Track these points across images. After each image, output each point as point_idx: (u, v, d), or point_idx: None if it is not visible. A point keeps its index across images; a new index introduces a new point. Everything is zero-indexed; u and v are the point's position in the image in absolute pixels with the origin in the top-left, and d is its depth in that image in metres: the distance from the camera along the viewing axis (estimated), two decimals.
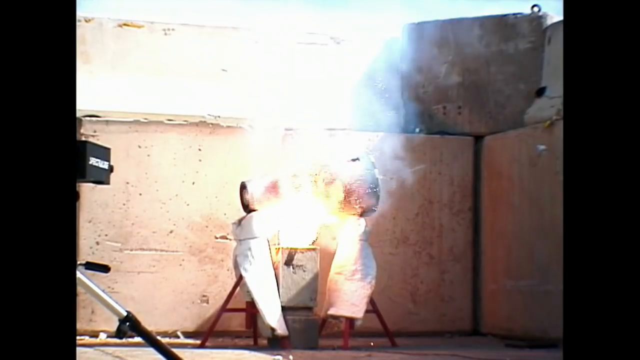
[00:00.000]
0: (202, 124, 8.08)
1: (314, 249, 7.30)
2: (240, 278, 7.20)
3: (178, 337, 7.83)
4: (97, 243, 7.80)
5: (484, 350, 7.11)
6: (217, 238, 8.02)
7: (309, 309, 7.26)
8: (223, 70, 8.45)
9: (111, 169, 4.49)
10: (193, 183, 8.02)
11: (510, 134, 8.46)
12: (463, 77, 8.71)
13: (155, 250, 7.92)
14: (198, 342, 7.40)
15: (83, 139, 7.23)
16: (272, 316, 7.08)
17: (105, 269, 4.48)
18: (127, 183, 7.86)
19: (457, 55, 8.71)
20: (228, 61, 8.46)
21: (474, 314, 8.67)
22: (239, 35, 8.54)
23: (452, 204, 8.66)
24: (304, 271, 7.22)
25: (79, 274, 4.11)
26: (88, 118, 7.83)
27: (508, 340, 7.95)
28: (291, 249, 7.24)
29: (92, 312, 7.60)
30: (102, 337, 7.59)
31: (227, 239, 7.95)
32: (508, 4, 8.94)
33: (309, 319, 7.22)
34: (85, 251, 7.67)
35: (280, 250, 7.24)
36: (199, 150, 8.05)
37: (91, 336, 7.59)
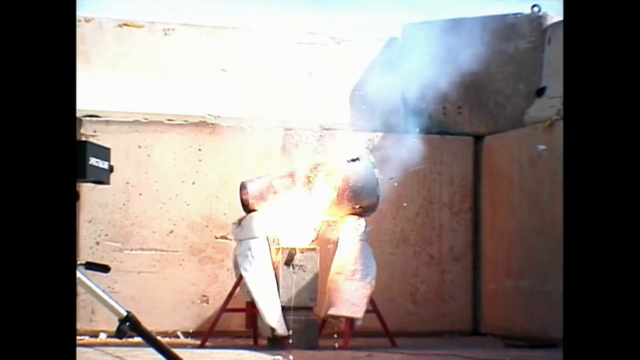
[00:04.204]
0: (202, 124, 8.08)
1: (314, 249, 7.30)
2: (240, 278, 7.20)
3: (178, 337, 7.83)
4: (97, 243, 7.80)
5: (484, 350, 7.11)
6: (217, 238, 8.02)
7: (309, 309, 7.27)
8: (223, 70, 8.44)
9: (111, 169, 4.49)
10: (193, 183, 8.02)
11: (510, 134, 8.46)
12: (463, 77, 8.70)
13: (155, 250, 7.92)
14: (198, 342, 7.40)
15: (83, 139, 7.23)
16: (272, 316, 7.09)
17: (105, 269, 4.48)
18: (127, 183, 7.86)
19: (457, 55, 8.70)
20: (228, 61, 8.45)
21: (474, 314, 8.67)
22: (239, 35, 8.53)
23: (452, 204, 8.66)
24: (304, 271, 7.22)
25: (79, 274, 4.12)
26: (88, 118, 7.83)
27: (508, 340, 7.95)
28: (291, 249, 7.24)
29: (92, 312, 7.60)
30: (102, 337, 7.59)
31: (227, 239, 7.95)
32: (508, 4, 8.95)
33: (309, 319, 7.22)
34: (85, 251, 7.67)
35: (280, 250, 7.24)
36: (199, 150, 8.05)
37: (91, 336, 7.59)
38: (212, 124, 8.09)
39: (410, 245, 8.55)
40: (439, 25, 8.82)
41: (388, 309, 7.88)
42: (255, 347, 7.30)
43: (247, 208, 7.31)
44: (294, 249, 7.25)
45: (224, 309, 7.36)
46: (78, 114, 7.55)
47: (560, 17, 8.36)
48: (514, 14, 8.73)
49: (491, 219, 8.60)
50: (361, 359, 6.57)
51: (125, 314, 4.24)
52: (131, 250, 7.87)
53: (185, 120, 8.06)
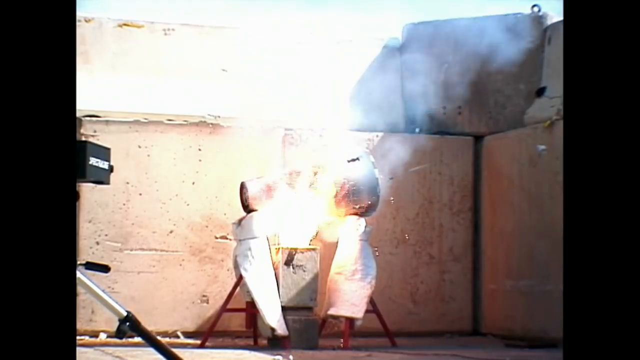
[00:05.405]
0: (202, 124, 8.08)
1: (314, 249, 7.30)
2: (240, 278, 7.20)
3: (178, 337, 7.83)
4: (97, 243, 7.80)
5: (484, 350, 7.11)
6: (217, 238, 8.02)
7: (309, 309, 7.27)
8: (223, 70, 8.44)
9: (111, 169, 4.49)
10: (193, 183, 8.02)
11: (510, 134, 8.46)
12: (463, 77, 8.71)
13: (155, 250, 7.92)
14: (198, 342, 7.40)
15: (83, 139, 7.23)
16: (272, 316, 7.09)
17: (105, 269, 4.48)
18: (127, 183, 7.86)
19: (457, 55, 8.70)
20: (228, 61, 8.46)
21: (474, 314, 8.67)
22: (239, 35, 8.53)
23: (452, 204, 8.66)
24: (304, 271, 7.22)
25: (79, 274, 4.11)
26: (88, 118, 7.83)
27: (508, 340, 7.95)
28: (291, 249, 7.24)
29: (92, 312, 7.60)
30: (102, 337, 7.59)
31: (227, 239, 7.95)
32: (508, 4, 8.95)
33: (309, 319, 7.22)
34: (85, 251, 7.67)
35: (280, 250, 7.24)
36: (199, 150, 8.05)
37: (91, 336, 7.59)
38: (212, 124, 8.09)
39: (410, 245, 8.55)
40: (439, 25, 8.83)
41: (388, 309, 7.88)
42: (255, 347, 7.30)
43: (247, 208, 7.31)
44: (294, 249, 7.25)
45: (224, 309, 7.36)
46: (78, 114, 7.55)
47: (560, 17, 8.36)
48: (514, 14, 8.73)
49: (491, 219, 8.60)
50: (361, 359, 6.57)
51: (125, 314, 4.24)
52: (131, 250, 7.87)
53: (185, 120, 8.06)
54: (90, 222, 7.78)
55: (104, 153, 4.44)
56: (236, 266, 7.28)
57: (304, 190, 7.33)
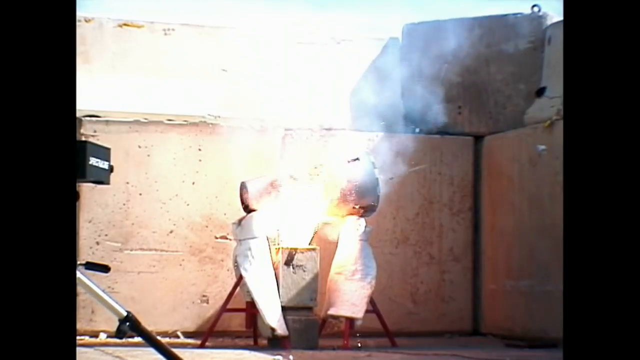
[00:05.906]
0: (202, 124, 8.08)
1: (314, 249, 7.30)
2: (240, 278, 7.20)
3: (178, 337, 7.83)
4: (97, 243, 7.79)
5: (484, 350, 7.11)
6: (217, 238, 8.02)
7: (309, 309, 7.27)
8: (223, 70, 8.44)
9: (111, 169, 4.49)
10: (193, 183, 8.02)
11: (510, 134, 8.46)
12: (463, 77, 8.71)
13: (155, 250, 7.92)
14: (198, 342, 7.40)
15: (83, 139, 7.23)
16: (272, 316, 7.09)
17: (105, 269, 4.48)
18: (127, 183, 7.86)
19: (457, 55, 8.70)
20: (228, 61, 8.46)
21: (474, 314, 8.67)
22: (239, 35, 8.53)
23: (452, 204, 8.66)
24: (304, 271, 7.22)
25: (79, 274, 4.11)
26: (88, 118, 7.83)
27: (508, 340, 7.95)
28: (291, 249, 7.24)
29: (92, 312, 7.60)
30: (102, 337, 7.59)
31: (227, 239, 7.95)
32: (508, 4, 8.95)
33: (309, 319, 7.22)
34: (85, 251, 7.67)
35: (280, 250, 7.24)
36: (199, 150, 8.05)
37: (91, 336, 7.59)
38: (212, 124, 8.09)
39: (410, 245, 8.55)
40: (439, 25, 8.82)
41: (388, 309, 7.88)
42: (255, 347, 7.30)
43: (247, 208, 7.31)
44: (294, 249, 7.25)
45: (224, 309, 7.36)
46: (78, 114, 7.55)
47: (560, 17, 8.36)
48: (514, 14, 8.73)
49: (491, 219, 8.60)
50: (361, 359, 6.57)
51: (125, 314, 4.24)
52: (131, 250, 7.87)
53: (185, 120, 8.06)
54: (90, 222, 7.78)
55: (104, 153, 4.44)
56: (236, 266, 7.28)
57: (304, 190, 7.33)
